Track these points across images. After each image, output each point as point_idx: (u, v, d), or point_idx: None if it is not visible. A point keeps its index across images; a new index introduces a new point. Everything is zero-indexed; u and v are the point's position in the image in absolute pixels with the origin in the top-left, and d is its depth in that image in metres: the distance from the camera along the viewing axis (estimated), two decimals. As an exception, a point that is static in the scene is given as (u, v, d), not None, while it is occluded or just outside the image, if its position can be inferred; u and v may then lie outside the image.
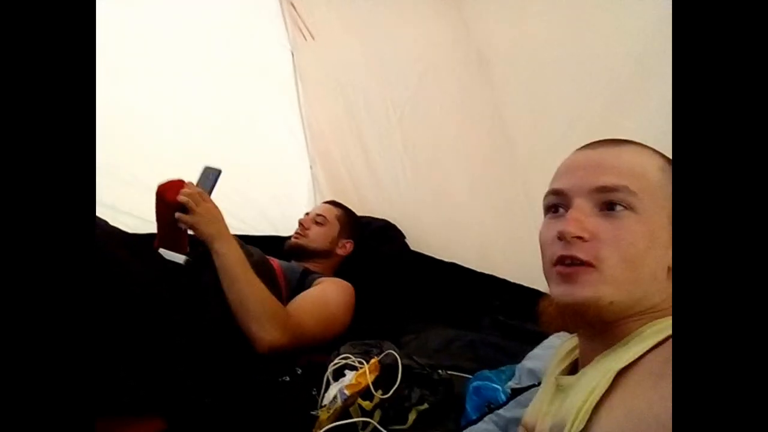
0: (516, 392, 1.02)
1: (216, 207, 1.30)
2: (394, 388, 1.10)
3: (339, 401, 1.06)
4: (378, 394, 1.08)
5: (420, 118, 1.75)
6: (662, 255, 0.59)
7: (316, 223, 1.74)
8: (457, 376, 1.27)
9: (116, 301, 1.04)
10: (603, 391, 0.54)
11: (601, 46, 1.19)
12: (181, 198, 1.25)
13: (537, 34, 1.31)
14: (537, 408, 0.70)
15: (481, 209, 1.66)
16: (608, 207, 0.60)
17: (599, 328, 0.61)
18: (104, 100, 0.92)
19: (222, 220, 1.30)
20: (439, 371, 1.21)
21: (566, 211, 0.62)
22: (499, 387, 1.10)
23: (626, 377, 0.54)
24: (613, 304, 0.58)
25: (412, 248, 1.91)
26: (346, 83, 1.96)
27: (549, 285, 0.63)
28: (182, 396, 1.09)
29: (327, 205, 1.86)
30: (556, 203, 0.65)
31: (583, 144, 0.68)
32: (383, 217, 1.96)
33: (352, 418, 1.06)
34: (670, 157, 0.62)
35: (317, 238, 1.72)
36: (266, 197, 2.13)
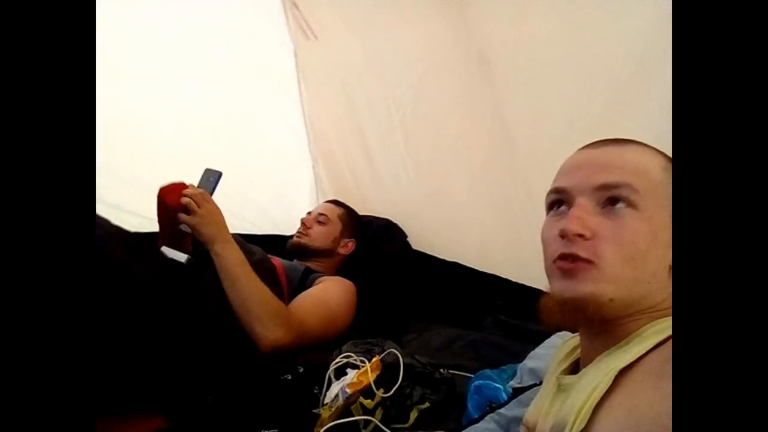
0: (517, 391, 1.02)
1: (217, 209, 1.31)
2: (396, 386, 1.10)
3: (341, 399, 1.06)
4: (380, 393, 1.08)
5: (421, 118, 1.75)
6: (663, 254, 0.59)
7: (318, 222, 1.74)
8: (459, 375, 1.27)
9: (116, 301, 1.04)
10: (604, 390, 0.54)
11: (601, 46, 1.19)
12: (183, 199, 1.26)
13: (537, 34, 1.31)
14: (538, 407, 0.70)
15: (482, 208, 1.67)
16: (610, 204, 0.60)
17: (600, 327, 0.61)
18: (104, 100, 0.92)
19: (222, 221, 1.31)
20: (441, 370, 1.21)
21: (568, 209, 0.63)
22: (500, 386, 1.10)
23: (627, 377, 0.54)
24: (613, 302, 0.58)
25: (413, 247, 1.91)
26: (348, 83, 1.96)
27: (550, 282, 0.64)
28: (183, 395, 1.10)
29: (329, 204, 1.86)
30: (559, 201, 0.65)
31: (583, 143, 0.68)
32: (385, 217, 1.96)
33: (353, 416, 1.06)
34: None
35: (319, 237, 1.72)
36: (268, 196, 2.13)
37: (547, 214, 0.67)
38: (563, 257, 0.60)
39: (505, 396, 1.07)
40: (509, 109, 1.47)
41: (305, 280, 1.51)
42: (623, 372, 0.55)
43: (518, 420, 0.83)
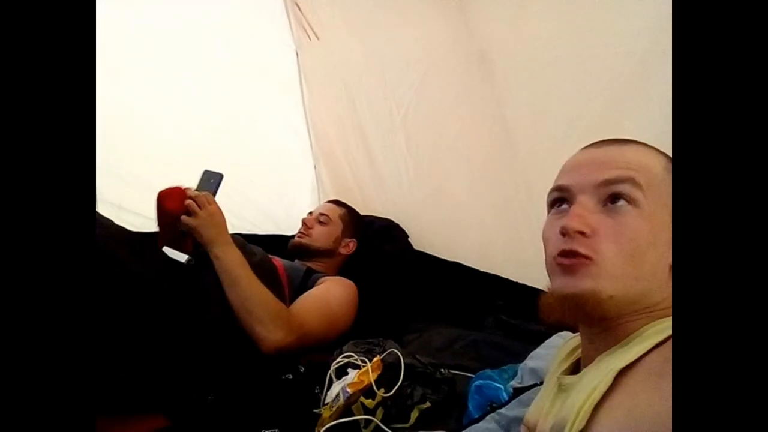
0: (518, 391, 1.02)
1: (219, 211, 1.31)
2: (397, 386, 1.10)
3: (342, 399, 1.06)
4: (380, 393, 1.08)
5: (422, 118, 1.75)
6: (663, 253, 0.59)
7: (320, 222, 1.74)
8: (460, 375, 1.27)
9: (117, 301, 1.05)
10: (604, 390, 0.54)
11: (601, 46, 1.19)
12: (186, 201, 1.26)
13: (537, 34, 1.31)
14: (539, 407, 0.70)
15: (482, 208, 1.67)
16: (611, 201, 0.60)
17: (600, 327, 0.62)
18: (104, 100, 0.93)
19: (223, 224, 1.31)
20: (442, 370, 1.21)
21: (570, 207, 0.63)
22: (501, 386, 1.10)
23: (627, 377, 0.54)
24: (612, 299, 0.58)
25: (415, 247, 1.91)
26: (349, 83, 1.97)
27: (551, 279, 0.64)
28: (184, 395, 1.10)
29: (330, 204, 1.87)
30: (560, 199, 0.66)
31: (583, 143, 0.68)
32: (386, 216, 1.96)
33: (354, 416, 1.06)
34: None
35: (320, 237, 1.72)
36: (270, 196, 2.14)
37: (549, 212, 0.68)
38: (563, 254, 0.60)
39: (505, 396, 1.07)
40: (509, 109, 1.47)
41: (307, 281, 1.51)
42: (623, 372, 0.55)
43: (519, 420, 0.83)
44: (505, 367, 1.20)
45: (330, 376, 1.15)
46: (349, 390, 1.07)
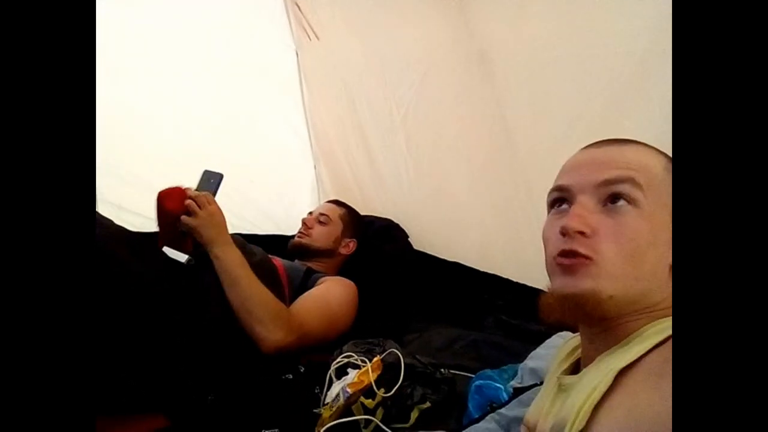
0: (518, 391, 1.02)
1: (219, 211, 1.31)
2: (397, 386, 1.10)
3: (342, 399, 1.06)
4: (380, 393, 1.08)
5: (422, 118, 1.75)
6: (664, 253, 0.59)
7: (320, 222, 1.74)
8: (460, 375, 1.27)
9: (117, 301, 1.05)
10: (604, 390, 0.54)
11: (601, 46, 1.19)
12: (186, 201, 1.26)
13: (537, 34, 1.31)
14: (539, 407, 0.70)
15: (482, 208, 1.67)
16: (611, 201, 0.60)
17: (600, 327, 0.62)
18: (104, 100, 0.93)
19: (223, 224, 1.31)
20: (442, 370, 1.21)
21: (570, 207, 0.63)
22: (501, 386, 1.10)
23: (627, 377, 0.54)
24: (612, 299, 0.58)
25: (415, 247, 1.91)
26: (349, 83, 1.97)
27: (551, 279, 0.64)
28: (184, 395, 1.10)
29: (330, 204, 1.87)
30: (560, 199, 0.66)
31: (583, 143, 0.68)
32: (386, 216, 1.96)
33: (354, 416, 1.06)
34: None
35: (321, 237, 1.72)
36: (270, 196, 2.14)
37: (549, 212, 0.68)
38: (563, 254, 0.60)
39: (505, 396, 1.07)
40: (509, 109, 1.47)
41: (307, 281, 1.51)
42: (623, 372, 0.55)
43: (519, 420, 0.83)
44: (505, 367, 1.20)
45: (330, 376, 1.15)
46: (349, 390, 1.07)
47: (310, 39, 1.97)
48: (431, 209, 1.88)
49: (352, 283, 1.54)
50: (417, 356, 1.21)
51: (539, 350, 1.15)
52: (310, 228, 1.73)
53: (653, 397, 0.50)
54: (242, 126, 2.02)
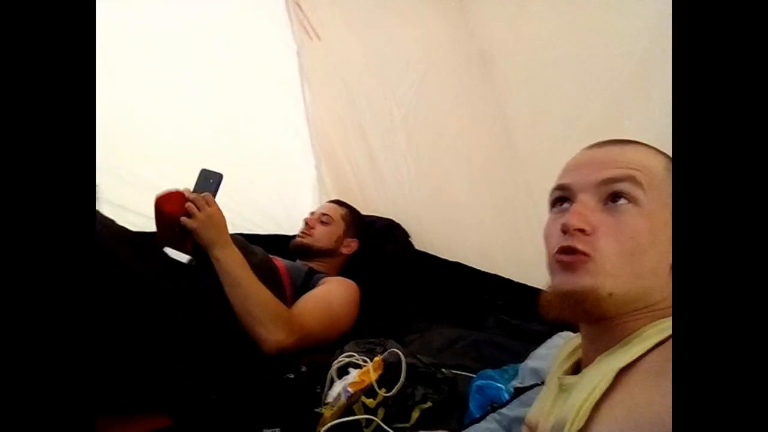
0: (519, 391, 1.02)
1: (219, 212, 1.30)
2: (398, 386, 1.10)
3: (343, 399, 1.07)
4: (381, 392, 1.08)
5: (422, 118, 1.76)
6: (664, 252, 0.59)
7: (321, 222, 1.75)
8: (461, 374, 1.27)
9: (117, 301, 1.05)
10: (603, 389, 0.54)
11: (601, 46, 1.19)
12: (186, 204, 1.26)
13: (537, 34, 1.31)
14: (540, 407, 0.70)
15: (482, 208, 1.67)
16: (612, 199, 0.61)
17: (600, 327, 0.62)
18: (104, 100, 0.92)
19: (223, 225, 1.30)
20: (443, 370, 1.21)
21: (571, 205, 0.63)
22: (502, 386, 1.11)
23: (627, 376, 0.54)
24: (612, 296, 0.58)
25: (416, 247, 1.91)
26: (349, 83, 1.97)
27: (551, 276, 0.64)
28: (185, 394, 1.10)
29: (332, 204, 1.87)
30: (561, 198, 0.66)
31: (583, 143, 0.69)
32: (387, 216, 1.96)
33: (355, 415, 1.06)
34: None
35: (322, 237, 1.72)
36: (270, 196, 2.14)
37: (550, 211, 0.68)
38: (563, 250, 0.61)
39: (506, 396, 1.07)
40: (510, 109, 1.47)
41: (309, 281, 1.51)
42: (623, 371, 0.55)
43: (520, 420, 0.83)
44: (506, 367, 1.20)
45: (331, 376, 1.15)
46: (350, 389, 1.07)
47: (311, 39, 1.97)
48: (431, 209, 1.88)
49: (353, 283, 1.54)
50: (418, 356, 1.21)
51: (540, 350, 1.15)
52: (311, 228, 1.73)
53: (653, 396, 0.50)
54: (242, 126, 2.01)
